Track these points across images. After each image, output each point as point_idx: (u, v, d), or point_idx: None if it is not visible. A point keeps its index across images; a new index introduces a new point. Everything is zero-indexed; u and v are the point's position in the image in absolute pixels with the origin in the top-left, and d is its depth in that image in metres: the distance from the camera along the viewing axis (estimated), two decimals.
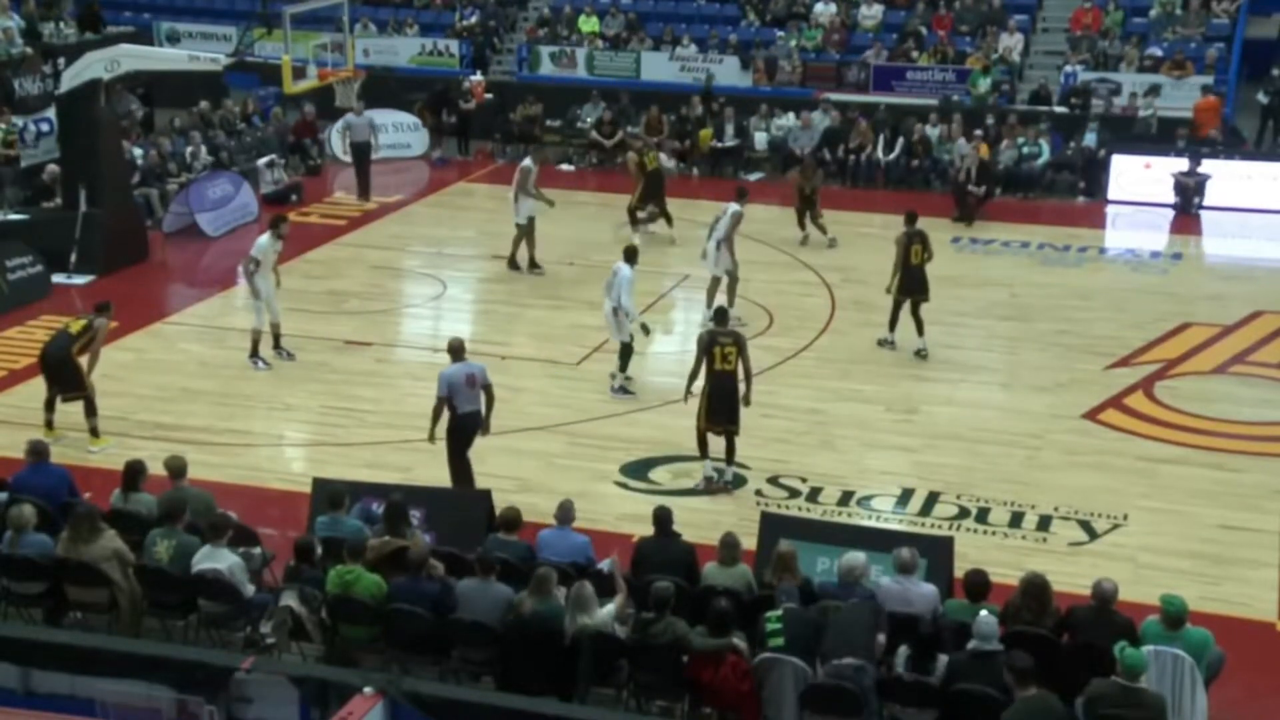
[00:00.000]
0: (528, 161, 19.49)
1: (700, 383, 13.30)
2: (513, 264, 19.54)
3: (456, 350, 12.83)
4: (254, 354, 16.19)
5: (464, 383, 12.58)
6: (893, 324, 16.53)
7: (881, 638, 9.25)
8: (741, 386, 13.15)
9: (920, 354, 16.38)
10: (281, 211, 22.49)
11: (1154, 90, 24.84)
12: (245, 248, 20.96)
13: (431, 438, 12.66)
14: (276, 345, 16.40)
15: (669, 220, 21.00)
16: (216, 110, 25.03)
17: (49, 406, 14.15)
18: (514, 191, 19.29)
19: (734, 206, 17.18)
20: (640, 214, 21.09)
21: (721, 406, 13.12)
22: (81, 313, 14.75)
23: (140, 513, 11.00)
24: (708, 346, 13.14)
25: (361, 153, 23.54)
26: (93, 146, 19.48)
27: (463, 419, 12.63)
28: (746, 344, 13.38)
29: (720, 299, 17.09)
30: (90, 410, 14.08)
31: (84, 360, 14.00)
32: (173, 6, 31.91)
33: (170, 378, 15.93)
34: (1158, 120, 24.38)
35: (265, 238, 16.22)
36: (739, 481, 13.39)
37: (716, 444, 13.31)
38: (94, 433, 14.10)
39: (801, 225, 20.99)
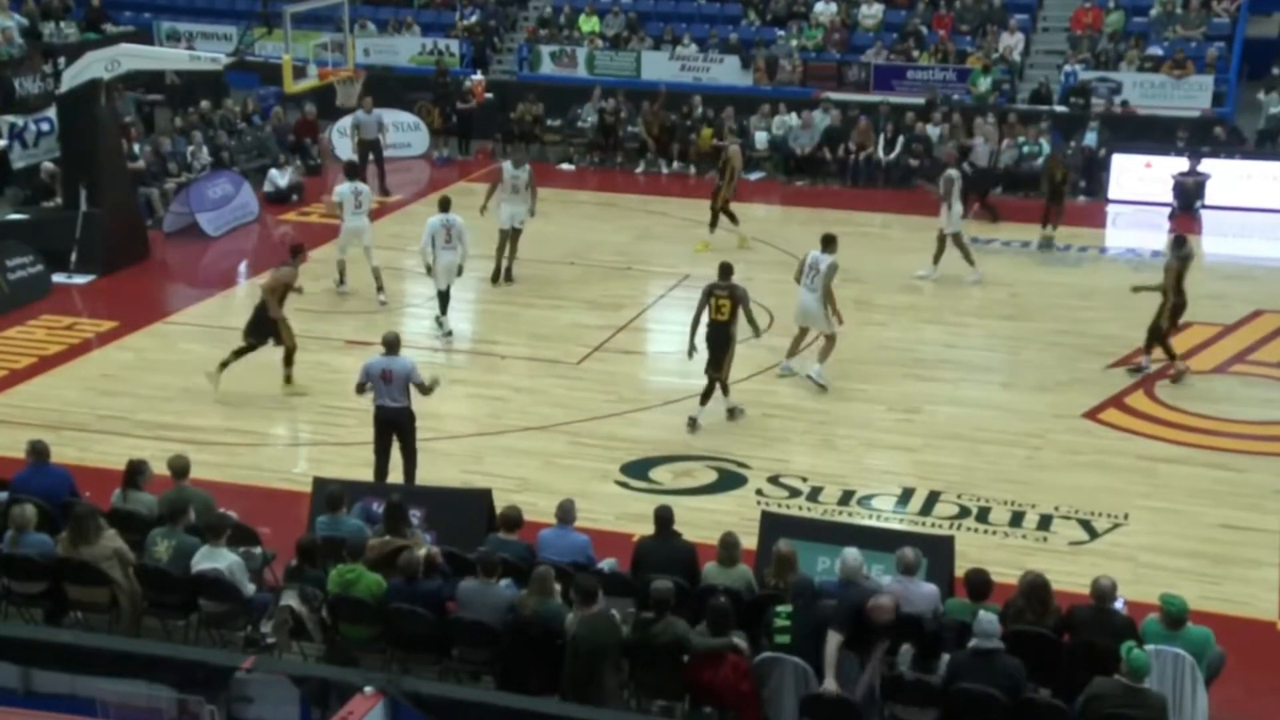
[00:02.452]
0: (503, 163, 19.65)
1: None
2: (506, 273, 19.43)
3: (388, 344, 12.96)
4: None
5: (378, 375, 12.75)
6: (1172, 353, 15.83)
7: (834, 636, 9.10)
8: (740, 334, 14.37)
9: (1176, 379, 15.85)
10: (284, 209, 22.83)
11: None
12: (245, 247, 21.26)
13: None
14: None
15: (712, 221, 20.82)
16: (217, 110, 25.03)
17: (237, 354, 15.13)
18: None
19: (830, 257, 15.33)
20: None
21: (710, 353, 14.34)
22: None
23: (140, 512, 10.99)
24: (706, 298, 14.33)
25: (372, 150, 23.53)
26: (93, 146, 19.47)
27: (378, 410, 12.85)
28: (746, 296, 14.37)
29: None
30: (288, 360, 15.28)
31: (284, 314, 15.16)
32: (173, 6, 31.84)
33: (170, 378, 15.91)
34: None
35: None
36: (737, 414, 14.66)
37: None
38: (288, 379, 15.34)
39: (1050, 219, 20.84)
